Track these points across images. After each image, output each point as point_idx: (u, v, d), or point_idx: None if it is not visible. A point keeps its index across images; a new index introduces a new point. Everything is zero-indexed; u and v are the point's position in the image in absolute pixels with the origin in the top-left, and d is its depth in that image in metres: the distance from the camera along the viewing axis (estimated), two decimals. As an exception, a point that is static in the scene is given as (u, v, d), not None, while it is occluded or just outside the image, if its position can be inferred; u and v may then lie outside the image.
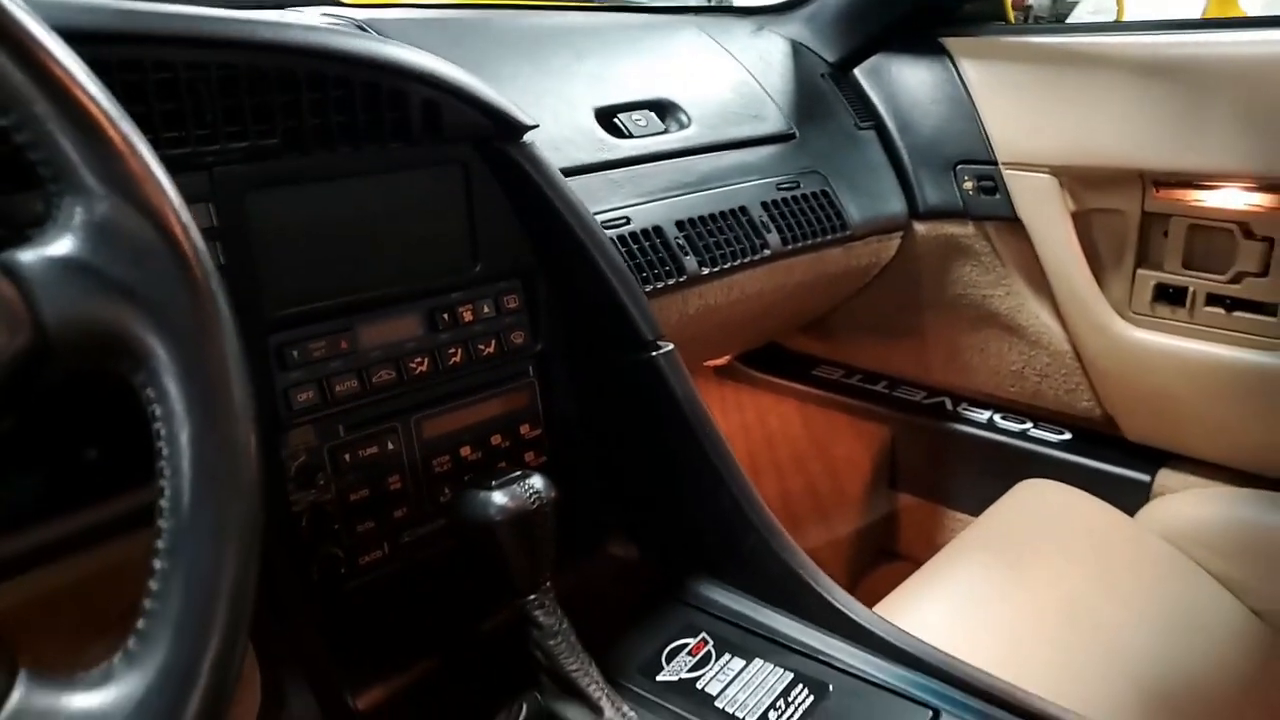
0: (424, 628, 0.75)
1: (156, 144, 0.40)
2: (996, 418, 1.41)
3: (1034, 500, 1.22)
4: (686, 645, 0.76)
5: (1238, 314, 1.14)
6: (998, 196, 1.26)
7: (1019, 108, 1.24)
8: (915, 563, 1.10)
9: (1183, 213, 1.15)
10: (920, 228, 1.32)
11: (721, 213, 1.06)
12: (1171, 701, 0.95)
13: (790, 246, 1.12)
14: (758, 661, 0.74)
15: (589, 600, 0.73)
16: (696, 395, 0.80)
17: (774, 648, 0.75)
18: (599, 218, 0.87)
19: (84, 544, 0.57)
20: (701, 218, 1.04)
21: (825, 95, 1.31)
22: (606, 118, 1.04)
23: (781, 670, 0.73)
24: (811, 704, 0.69)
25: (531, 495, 0.64)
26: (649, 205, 1.00)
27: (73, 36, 0.38)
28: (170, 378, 0.37)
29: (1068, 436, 1.36)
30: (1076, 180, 1.21)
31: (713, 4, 2.07)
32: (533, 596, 0.66)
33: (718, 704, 0.69)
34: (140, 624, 0.35)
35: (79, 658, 0.37)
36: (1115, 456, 1.30)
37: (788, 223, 1.13)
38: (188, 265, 0.38)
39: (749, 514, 0.78)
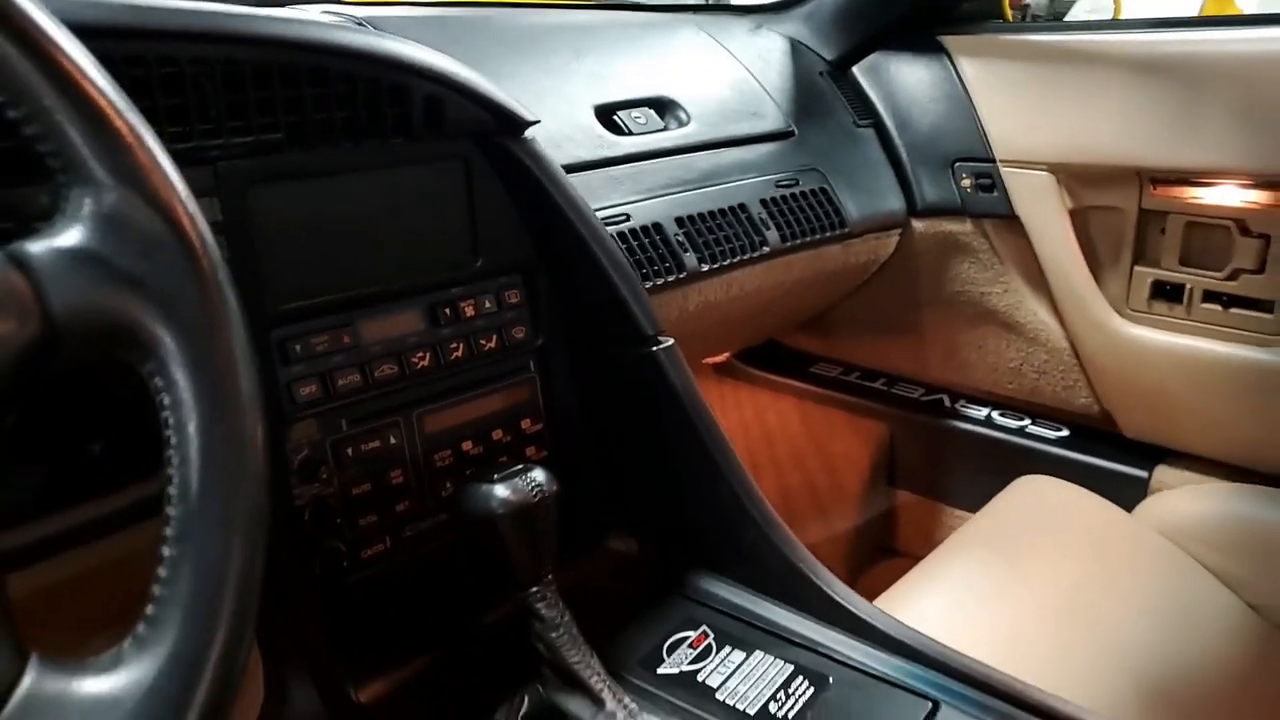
0: (426, 621, 0.75)
1: (161, 138, 0.40)
2: (994, 414, 1.42)
3: (1032, 496, 1.23)
4: (687, 638, 0.76)
5: (1234, 311, 1.14)
6: (995, 194, 1.27)
7: (1017, 105, 1.24)
8: (913, 559, 1.10)
9: (1180, 210, 1.16)
10: (918, 225, 1.32)
11: (721, 210, 1.07)
12: (1168, 694, 0.95)
13: (789, 244, 1.13)
14: (758, 654, 0.74)
15: (589, 594, 0.74)
16: (697, 390, 0.81)
17: (774, 640, 0.75)
18: (599, 214, 0.87)
19: (89, 537, 0.58)
20: (701, 215, 1.04)
21: (824, 93, 1.31)
22: (606, 115, 1.05)
23: (782, 663, 0.73)
24: (811, 696, 0.70)
25: (533, 489, 0.65)
26: (649, 202, 1.00)
27: (80, 31, 0.39)
28: (178, 367, 0.38)
29: (1065, 433, 1.36)
30: (1074, 178, 1.21)
31: (711, 2, 2.08)
32: (534, 589, 0.66)
33: (718, 696, 0.70)
34: (150, 610, 0.36)
35: (86, 648, 0.37)
36: (1113, 453, 1.30)
37: (786, 220, 1.13)
38: (195, 256, 0.39)
39: (749, 508, 0.79)
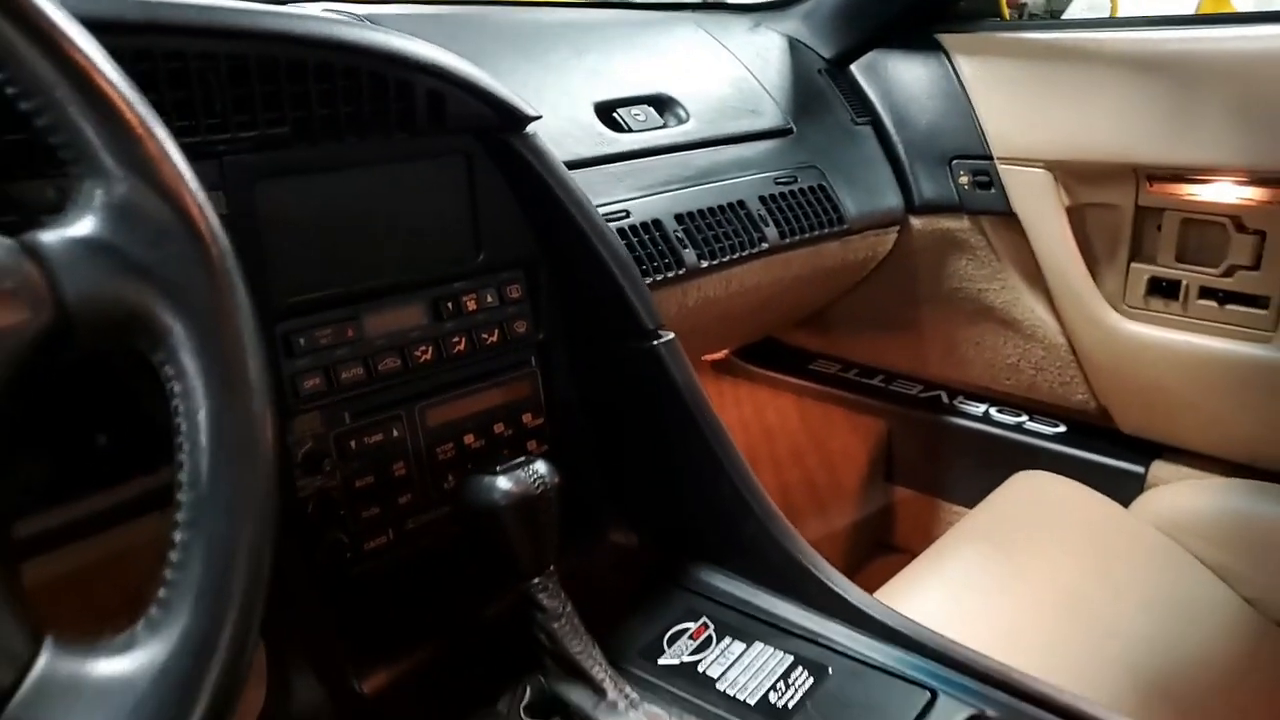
0: (428, 612, 0.76)
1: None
2: (992, 410, 1.42)
3: (1029, 491, 1.24)
4: (687, 629, 0.77)
5: (1230, 307, 1.15)
6: (993, 191, 1.27)
7: (1014, 103, 1.25)
8: (911, 555, 1.11)
9: (1176, 207, 1.16)
10: (916, 222, 1.33)
11: (720, 206, 1.07)
12: (1164, 687, 0.96)
13: (788, 240, 1.13)
14: (758, 645, 0.75)
15: (590, 587, 0.74)
16: (697, 384, 0.81)
17: (774, 632, 0.76)
18: (599, 211, 0.88)
19: (96, 529, 0.58)
20: (700, 211, 1.05)
21: (822, 91, 1.32)
22: (606, 112, 1.05)
23: (781, 653, 0.74)
24: (811, 686, 0.70)
25: (536, 480, 0.65)
26: (648, 199, 1.01)
27: (90, 25, 0.39)
28: (188, 355, 0.38)
29: (1063, 429, 1.37)
30: (1071, 175, 1.22)
31: (710, 0, 2.08)
32: (536, 580, 0.67)
33: (719, 686, 0.70)
34: (162, 593, 0.36)
35: (96, 637, 0.38)
36: (1109, 448, 1.31)
37: (785, 217, 1.14)
38: (205, 246, 0.39)
39: (749, 501, 0.79)
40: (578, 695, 0.66)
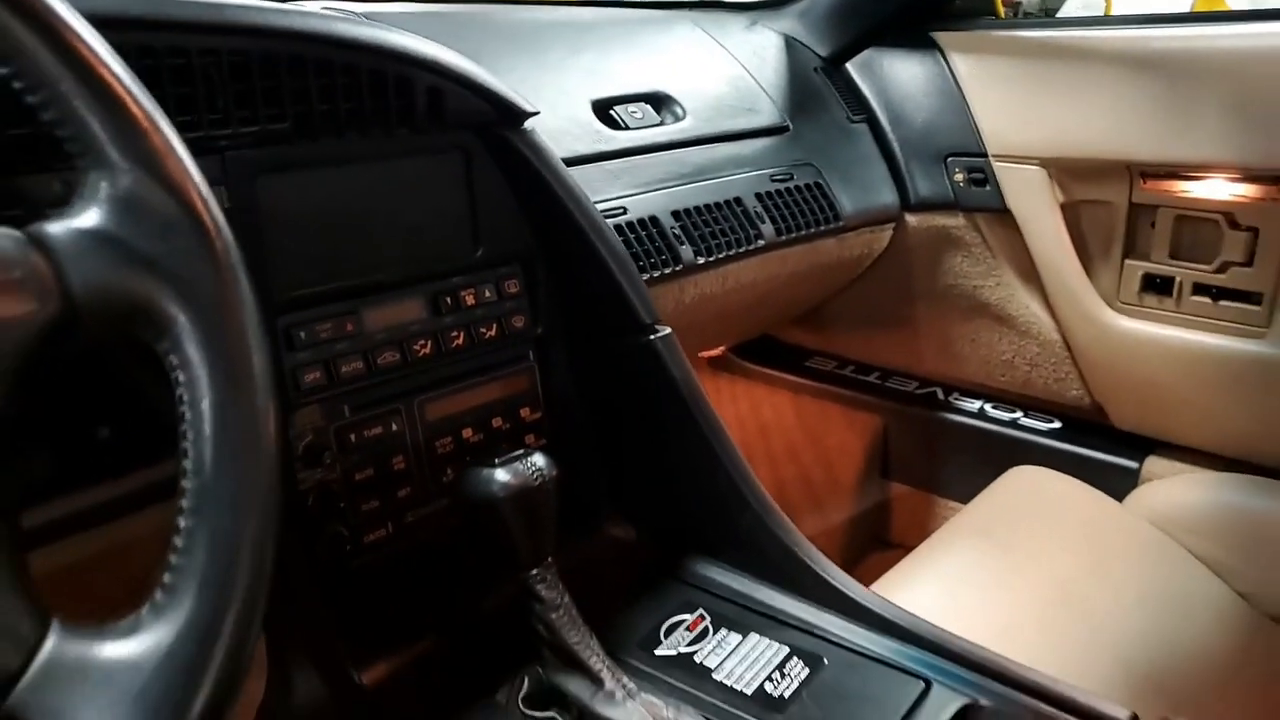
0: (428, 605, 0.76)
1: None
2: (987, 407, 1.43)
3: (1024, 486, 1.24)
4: (684, 621, 0.77)
5: (1223, 303, 1.16)
6: (988, 188, 1.28)
7: (1009, 101, 1.26)
8: (907, 550, 1.11)
9: (1170, 203, 1.17)
10: (912, 219, 1.34)
11: (716, 203, 1.08)
12: (1158, 681, 0.97)
13: (784, 237, 1.14)
14: (754, 636, 0.75)
15: (588, 579, 0.75)
16: (694, 378, 0.82)
17: (770, 623, 0.77)
18: (597, 207, 0.88)
19: (99, 520, 0.59)
20: (697, 208, 1.05)
21: (818, 89, 1.33)
22: (603, 110, 1.06)
23: (777, 644, 0.74)
24: (807, 676, 0.71)
25: (534, 472, 0.66)
26: (645, 196, 1.02)
27: (95, 21, 0.40)
28: (193, 346, 0.39)
29: (1057, 425, 1.37)
30: (1065, 172, 1.23)
31: None
32: (535, 571, 0.67)
33: (715, 676, 0.71)
34: (166, 578, 0.37)
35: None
36: (1104, 444, 1.32)
37: (781, 214, 1.15)
38: (210, 239, 0.40)
39: (745, 493, 0.80)
40: (575, 685, 0.67)
